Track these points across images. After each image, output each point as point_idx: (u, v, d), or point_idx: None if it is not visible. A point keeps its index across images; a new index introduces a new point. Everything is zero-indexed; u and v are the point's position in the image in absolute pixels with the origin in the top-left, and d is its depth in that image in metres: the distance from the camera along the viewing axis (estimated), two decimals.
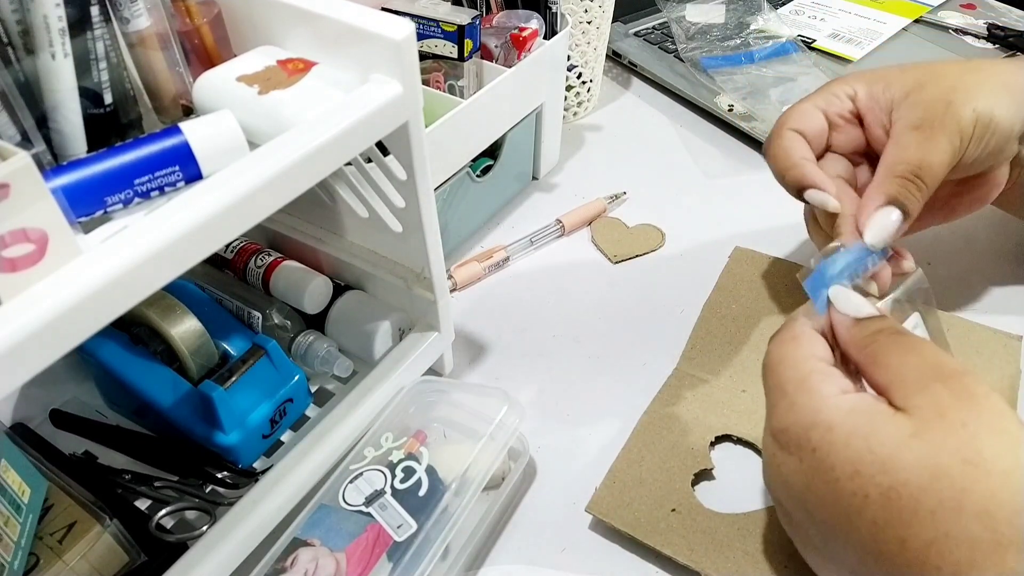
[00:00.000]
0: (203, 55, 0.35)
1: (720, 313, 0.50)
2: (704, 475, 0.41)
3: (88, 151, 0.31)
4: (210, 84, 0.32)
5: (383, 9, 0.43)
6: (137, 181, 0.28)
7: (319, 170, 0.30)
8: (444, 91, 0.54)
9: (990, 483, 0.26)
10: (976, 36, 0.76)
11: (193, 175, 0.29)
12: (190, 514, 0.39)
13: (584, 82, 0.68)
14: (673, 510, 0.38)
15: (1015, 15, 0.80)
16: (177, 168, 0.28)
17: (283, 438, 0.43)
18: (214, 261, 0.48)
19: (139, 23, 0.32)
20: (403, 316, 0.45)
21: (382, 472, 0.37)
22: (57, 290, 0.23)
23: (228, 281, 0.47)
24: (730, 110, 0.67)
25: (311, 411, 0.44)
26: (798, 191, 0.40)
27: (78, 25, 0.29)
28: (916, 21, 0.79)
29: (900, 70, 0.41)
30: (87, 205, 0.27)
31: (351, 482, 0.37)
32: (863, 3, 0.82)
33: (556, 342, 0.50)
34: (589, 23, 0.63)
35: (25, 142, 0.28)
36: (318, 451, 0.38)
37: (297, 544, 0.35)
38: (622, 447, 0.41)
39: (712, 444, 0.42)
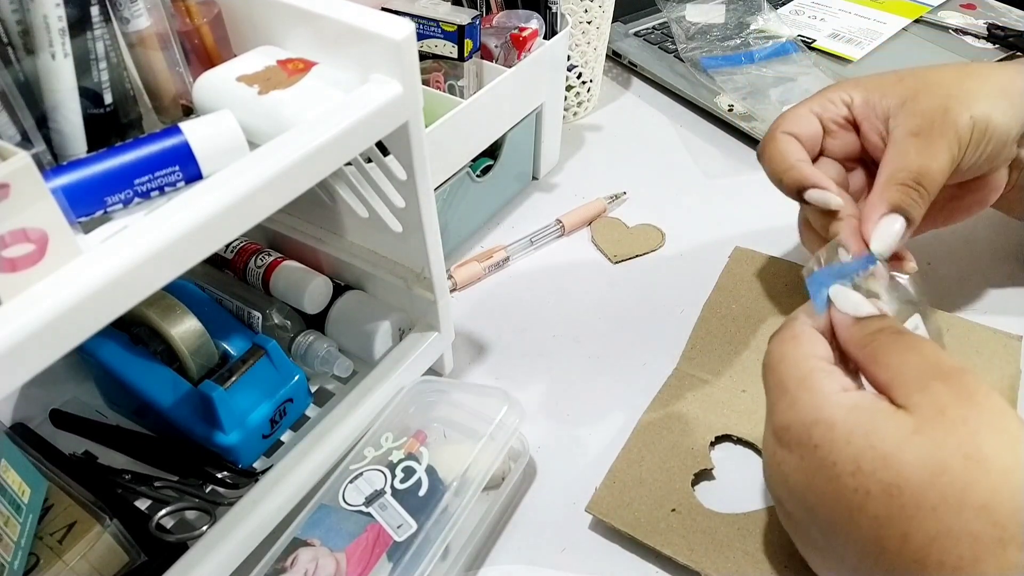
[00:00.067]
0: (203, 55, 0.35)
1: (720, 313, 0.50)
2: (704, 475, 0.41)
3: (88, 151, 0.31)
4: (210, 84, 0.32)
5: (383, 9, 0.43)
6: (137, 181, 0.28)
7: (319, 170, 0.30)
8: (444, 91, 0.54)
9: (991, 479, 0.26)
10: (976, 36, 0.76)
11: (193, 175, 0.29)
12: (190, 514, 0.39)
13: (584, 82, 0.68)
14: (673, 510, 0.38)
15: (1015, 15, 0.80)
16: (177, 168, 0.28)
17: (283, 438, 0.43)
18: (214, 261, 0.48)
19: (139, 23, 0.32)
20: (403, 316, 0.45)
21: (382, 472, 0.37)
22: (57, 290, 0.23)
23: (228, 281, 0.47)
24: (730, 110, 0.67)
25: (311, 411, 0.44)
26: (798, 191, 0.40)
27: (78, 25, 0.29)
28: (916, 21, 0.78)
29: (896, 77, 0.41)
30: (87, 205, 0.27)
31: (351, 482, 0.37)
32: (863, 3, 0.82)
33: (556, 342, 0.50)
34: (589, 23, 0.63)
35: (25, 142, 0.28)
36: (318, 451, 0.38)
37: (297, 544, 0.35)
38: (622, 447, 0.41)
39: (712, 444, 0.42)
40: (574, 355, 0.49)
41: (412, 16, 0.50)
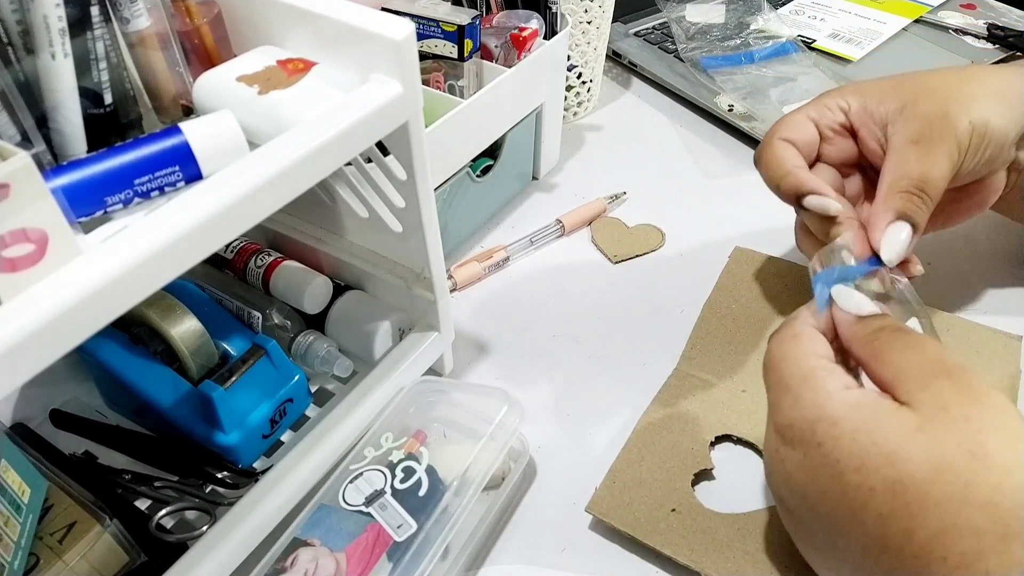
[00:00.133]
0: (203, 55, 0.35)
1: (720, 313, 0.50)
2: (704, 475, 0.41)
3: (88, 151, 0.31)
4: (210, 84, 0.32)
5: (383, 9, 0.43)
6: (137, 181, 0.28)
7: (319, 170, 0.30)
8: (444, 91, 0.54)
9: (994, 476, 0.26)
10: (976, 36, 0.76)
11: (193, 175, 0.29)
12: (190, 514, 0.39)
13: (584, 82, 0.68)
14: (673, 510, 0.38)
15: (1015, 15, 0.80)
16: (177, 168, 0.28)
17: (283, 438, 0.43)
18: (214, 261, 0.48)
19: (139, 23, 0.32)
20: (403, 316, 0.45)
21: (382, 472, 0.37)
22: (57, 290, 0.23)
23: (228, 281, 0.47)
24: (730, 110, 0.67)
25: (311, 411, 0.44)
26: (796, 198, 0.41)
27: (78, 25, 0.29)
28: (916, 21, 0.78)
29: (894, 83, 0.41)
30: (87, 205, 0.27)
31: (351, 482, 0.37)
32: (863, 3, 0.82)
33: (556, 342, 0.50)
34: (589, 23, 0.63)
35: (25, 142, 0.28)
36: (318, 451, 0.38)
37: (297, 544, 0.35)
38: (622, 447, 0.41)
39: (712, 444, 0.42)
40: (574, 355, 0.49)
41: (412, 16, 0.50)
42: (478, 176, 0.56)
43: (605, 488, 0.39)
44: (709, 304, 0.50)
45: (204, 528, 0.36)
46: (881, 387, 0.31)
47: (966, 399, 0.28)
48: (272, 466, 0.38)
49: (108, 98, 0.32)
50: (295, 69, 0.32)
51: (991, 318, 0.47)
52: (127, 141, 0.28)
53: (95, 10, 0.30)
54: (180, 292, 0.41)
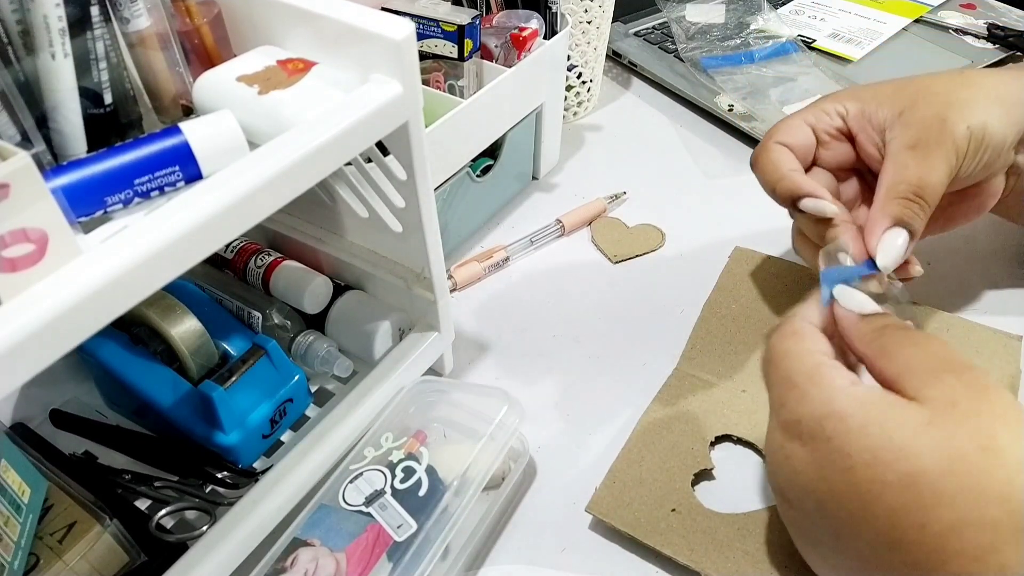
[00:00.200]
0: (203, 55, 0.35)
1: (720, 313, 0.50)
2: (704, 475, 0.41)
3: (88, 151, 0.31)
4: (210, 84, 0.32)
5: (383, 9, 0.43)
6: (137, 181, 0.28)
7: (319, 170, 0.30)
8: (444, 91, 0.54)
9: (1008, 470, 0.27)
10: (976, 36, 0.76)
11: (193, 175, 0.29)
12: (190, 514, 0.39)
13: (584, 82, 0.68)
14: (673, 510, 0.38)
15: (1015, 15, 0.80)
16: (177, 168, 0.28)
17: (283, 438, 0.43)
18: (214, 261, 0.48)
19: (139, 23, 0.32)
20: (403, 316, 0.45)
21: (382, 472, 0.37)
22: (57, 290, 0.23)
23: (228, 281, 0.47)
24: (730, 110, 0.67)
25: (311, 411, 0.44)
26: (792, 201, 0.41)
27: (78, 25, 0.29)
28: (916, 21, 0.79)
29: (891, 87, 0.41)
30: (87, 205, 0.27)
31: (351, 482, 0.37)
32: (863, 3, 0.82)
33: (556, 342, 0.50)
34: (589, 23, 0.63)
35: (25, 142, 0.28)
36: (318, 451, 0.38)
37: (297, 544, 0.35)
38: (622, 447, 0.41)
39: (712, 444, 0.42)
40: (574, 355, 0.49)
41: (412, 16, 0.50)
42: (478, 176, 0.56)
43: (605, 488, 0.39)
44: (709, 304, 0.50)
45: (204, 528, 0.36)
46: (885, 384, 0.31)
47: (975, 395, 0.28)
48: (272, 466, 0.38)
49: (108, 98, 0.32)
50: (295, 69, 0.32)
51: (991, 318, 0.47)
52: (127, 141, 0.28)
53: (95, 10, 0.30)
54: (180, 292, 0.41)
